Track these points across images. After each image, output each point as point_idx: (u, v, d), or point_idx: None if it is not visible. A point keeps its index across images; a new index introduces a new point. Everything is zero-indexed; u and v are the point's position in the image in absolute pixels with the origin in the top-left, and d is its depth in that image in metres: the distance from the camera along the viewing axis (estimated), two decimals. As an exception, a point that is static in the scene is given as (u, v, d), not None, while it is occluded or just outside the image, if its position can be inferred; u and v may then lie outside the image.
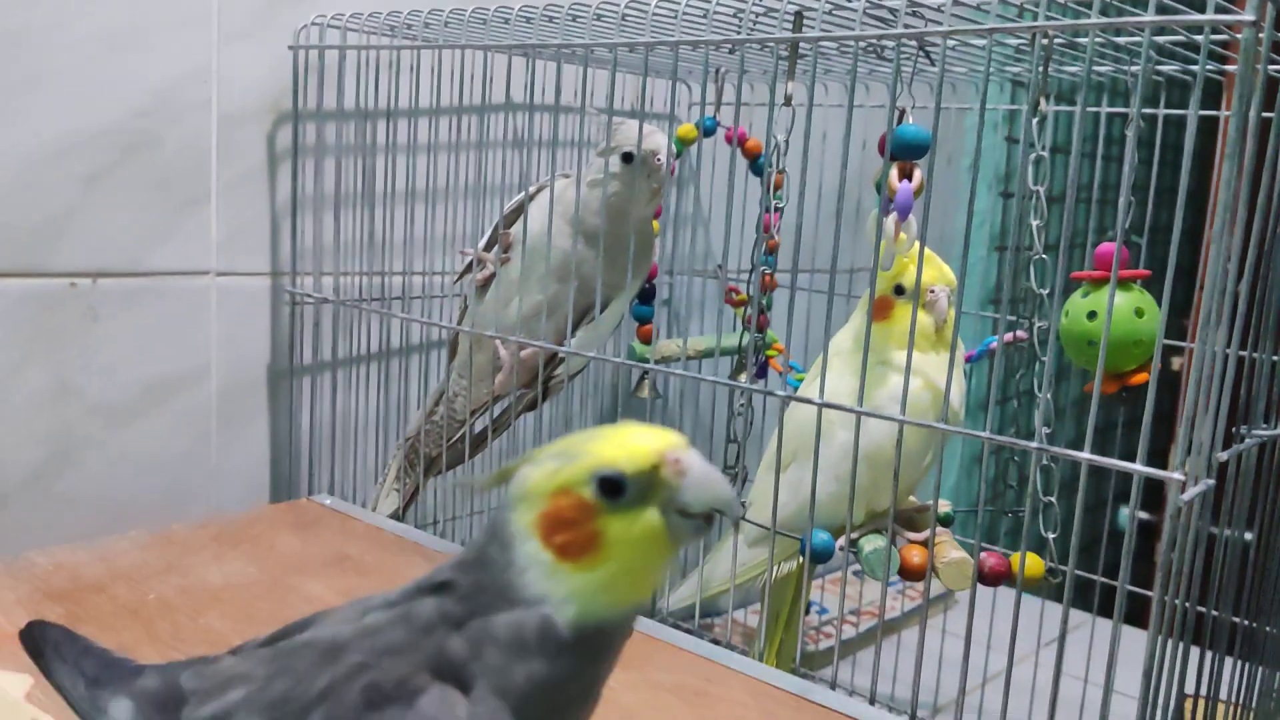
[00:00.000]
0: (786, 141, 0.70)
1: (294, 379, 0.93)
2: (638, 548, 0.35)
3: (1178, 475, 0.49)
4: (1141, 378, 0.73)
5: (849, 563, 0.70)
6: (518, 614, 0.35)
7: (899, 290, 0.71)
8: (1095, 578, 0.97)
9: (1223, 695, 0.73)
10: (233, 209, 0.88)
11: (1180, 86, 0.87)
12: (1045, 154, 0.70)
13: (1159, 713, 0.53)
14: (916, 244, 0.72)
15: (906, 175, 0.65)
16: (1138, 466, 0.50)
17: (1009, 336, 0.90)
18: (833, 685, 0.62)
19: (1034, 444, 0.54)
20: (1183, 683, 0.66)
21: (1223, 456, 0.55)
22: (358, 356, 0.94)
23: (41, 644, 0.45)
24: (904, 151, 0.63)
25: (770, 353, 1.00)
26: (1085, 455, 0.52)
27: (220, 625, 0.64)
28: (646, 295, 0.97)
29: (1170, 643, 0.53)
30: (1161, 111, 0.89)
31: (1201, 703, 1.04)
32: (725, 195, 0.68)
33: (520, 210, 0.78)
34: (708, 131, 1.00)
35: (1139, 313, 0.70)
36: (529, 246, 0.76)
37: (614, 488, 0.35)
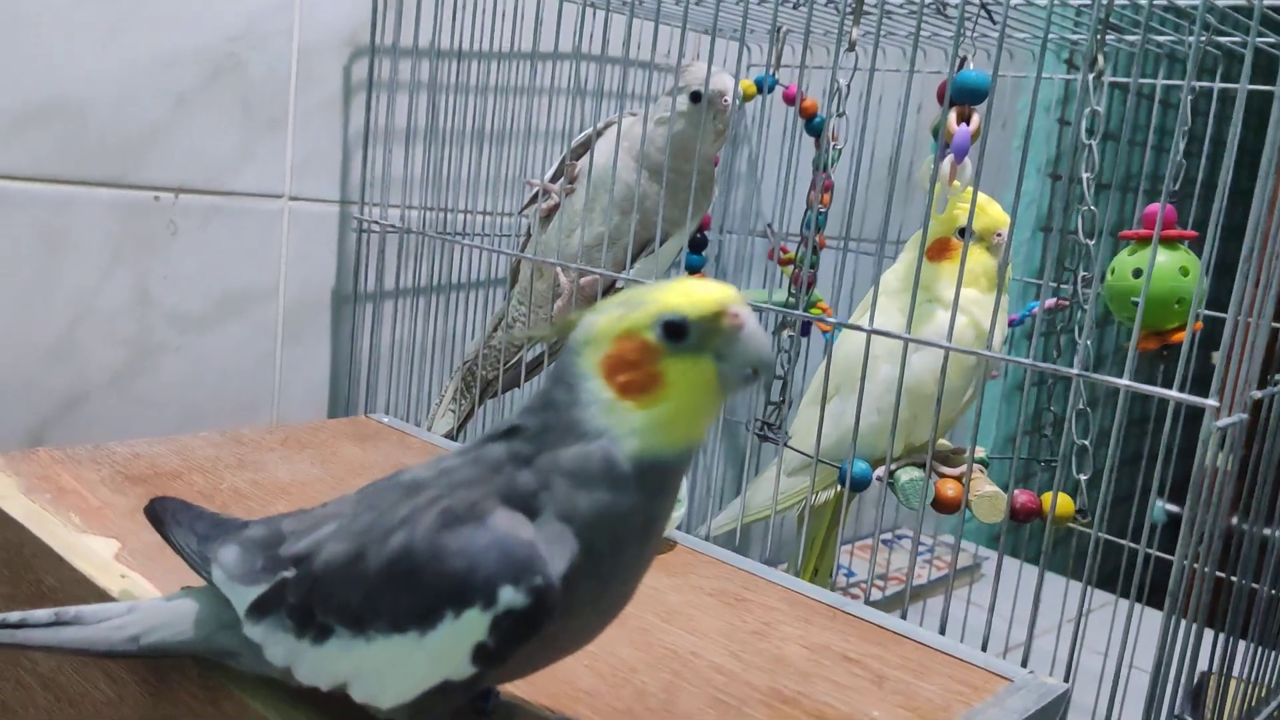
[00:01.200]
0: (847, 87, 0.73)
1: (357, 304, 0.97)
2: (693, 389, 0.38)
3: (1213, 401, 0.52)
4: (1181, 335, 0.75)
5: (879, 530, 0.73)
6: (583, 446, 0.38)
7: (961, 233, 0.73)
8: (1123, 542, 0.99)
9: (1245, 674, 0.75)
10: (308, 137, 0.92)
11: (1241, 63, 0.89)
12: (1100, 110, 0.72)
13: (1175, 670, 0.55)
14: (969, 187, 0.74)
15: (964, 119, 0.67)
16: (1174, 393, 0.53)
17: (1051, 303, 0.93)
18: (866, 600, 0.65)
19: (1074, 370, 0.57)
20: (1217, 660, 0.68)
21: (1257, 394, 0.57)
22: (418, 287, 0.98)
23: (161, 512, 0.50)
24: (963, 95, 0.65)
25: (815, 312, 1.02)
26: (1124, 381, 0.55)
27: (289, 513, 0.68)
28: (698, 245, 1.00)
29: (1195, 587, 0.55)
30: (1216, 85, 0.91)
31: (1229, 682, 1.06)
32: (779, 156, 0.71)
33: (587, 144, 0.81)
34: (768, 88, 1.03)
35: (1183, 271, 0.72)
36: (594, 179, 0.79)
37: (677, 331, 0.38)
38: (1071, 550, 0.78)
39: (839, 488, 0.76)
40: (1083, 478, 0.70)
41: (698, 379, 0.38)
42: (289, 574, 0.42)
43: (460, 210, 0.96)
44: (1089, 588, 0.60)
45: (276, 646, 0.42)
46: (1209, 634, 1.09)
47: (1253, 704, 0.80)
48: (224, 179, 0.88)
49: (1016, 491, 0.69)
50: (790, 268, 1.02)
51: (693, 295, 0.38)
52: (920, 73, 1.03)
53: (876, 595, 1.22)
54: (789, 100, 1.04)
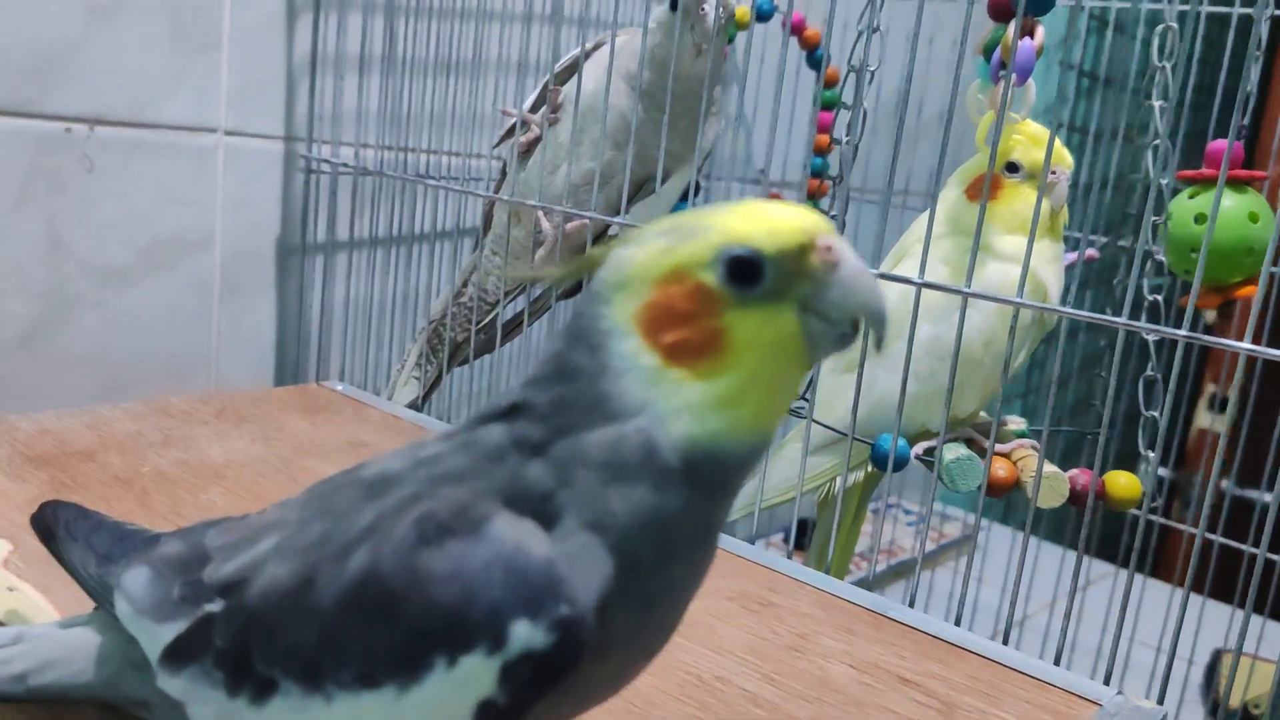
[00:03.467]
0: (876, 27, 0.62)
1: (305, 255, 0.85)
2: (769, 355, 0.28)
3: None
4: (1248, 291, 0.66)
5: (889, 492, 0.63)
6: (615, 429, 0.28)
7: (1011, 168, 0.63)
8: (1172, 523, 0.91)
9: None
10: (246, 61, 0.80)
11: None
12: (1175, 25, 0.62)
13: None
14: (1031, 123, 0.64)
15: (1028, 33, 0.57)
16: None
17: (1080, 255, 0.84)
18: (910, 602, 0.55)
19: (1182, 331, 0.47)
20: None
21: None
22: (376, 236, 0.86)
23: (53, 524, 0.38)
24: (1033, 4, 0.55)
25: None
26: (1245, 346, 0.45)
27: (224, 502, 0.57)
28: (684, 193, 0.89)
29: None
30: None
31: (1239, 659, 0.99)
32: (773, 93, 0.59)
33: (574, 67, 0.70)
34: (763, 15, 0.92)
35: (1252, 218, 0.63)
36: (583, 107, 0.67)
37: (747, 271, 0.28)
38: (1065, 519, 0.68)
39: (869, 467, 0.66)
40: (1152, 455, 0.61)
41: (775, 339, 0.28)
42: (215, 607, 0.31)
43: (423, 150, 0.84)
44: (1134, 574, 0.51)
45: (203, 706, 0.31)
46: (1226, 610, 1.03)
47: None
48: (148, 109, 0.76)
49: (1075, 473, 0.60)
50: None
51: (767, 220, 0.28)
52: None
53: (868, 572, 1.14)
54: (794, 30, 0.94)
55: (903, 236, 0.69)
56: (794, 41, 0.95)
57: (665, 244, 0.28)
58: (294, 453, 0.65)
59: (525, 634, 0.26)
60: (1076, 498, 0.60)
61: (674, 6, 0.66)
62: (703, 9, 0.65)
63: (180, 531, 0.35)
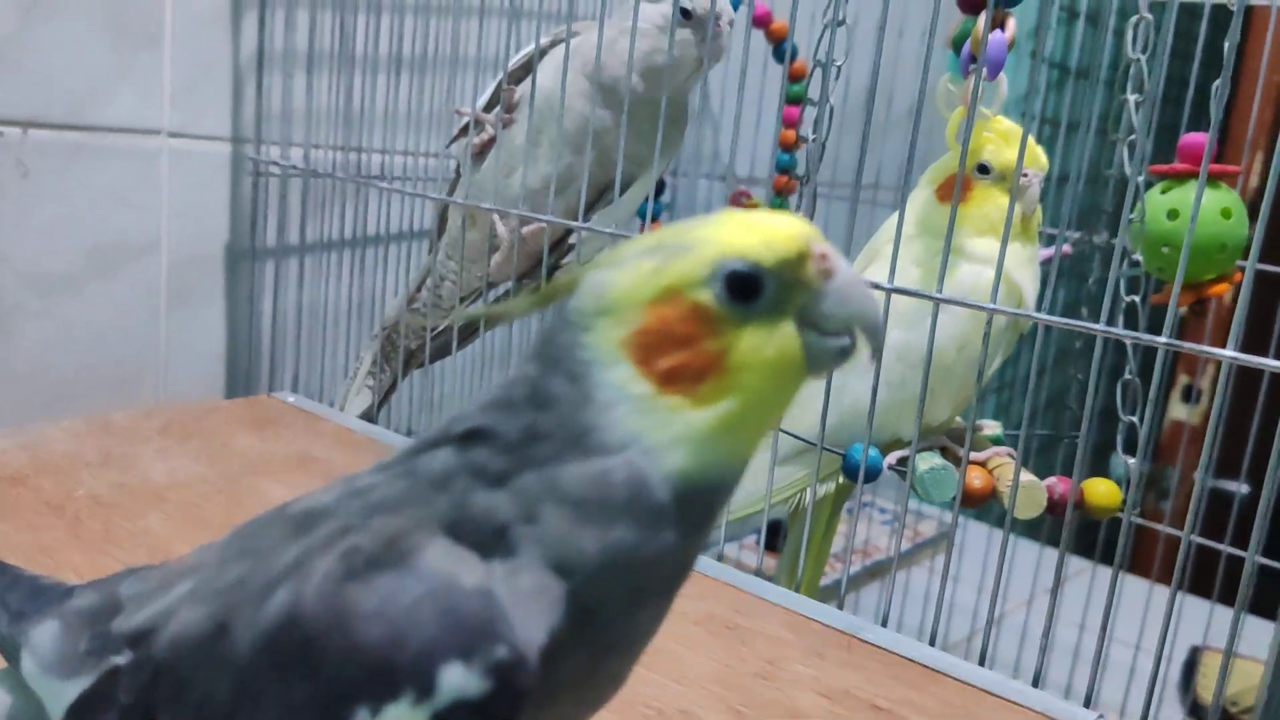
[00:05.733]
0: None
1: (255, 261, 0.82)
2: (771, 373, 0.26)
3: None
4: (1221, 289, 0.64)
5: (861, 497, 0.61)
6: (598, 463, 0.25)
7: (982, 169, 0.61)
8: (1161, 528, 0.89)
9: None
10: (190, 59, 0.76)
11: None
12: (1149, 16, 0.60)
13: None
14: (1005, 122, 0.62)
15: (998, 25, 0.55)
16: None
17: (1051, 252, 0.82)
18: (883, 621, 0.53)
19: (1162, 339, 0.45)
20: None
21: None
22: (328, 240, 0.83)
23: None
24: (1004, -5, 0.52)
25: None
26: (1227, 353, 0.43)
27: (162, 528, 0.54)
28: (657, 189, 0.86)
29: None
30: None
31: (1214, 656, 0.98)
32: (739, 87, 0.57)
33: (529, 66, 0.67)
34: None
35: (1225, 214, 0.61)
36: (538, 107, 0.65)
37: (747, 287, 0.26)
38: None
39: (840, 479, 0.64)
40: (1129, 461, 0.59)
41: (777, 356, 0.26)
42: (122, 659, 0.29)
43: (376, 150, 0.81)
44: (1116, 581, 0.50)
45: None
46: (1203, 606, 1.02)
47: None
48: (86, 111, 0.72)
49: (1053, 480, 0.58)
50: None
51: (761, 230, 0.26)
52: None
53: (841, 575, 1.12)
54: (759, 23, 0.91)
55: (873, 237, 0.66)
56: (760, 36, 0.92)
57: (653, 264, 0.26)
58: (240, 471, 0.62)
59: (457, 680, 0.24)
60: (1055, 506, 0.58)
61: (686, 15, 0.63)
62: (721, 24, 0.63)
63: (96, 581, 0.33)
